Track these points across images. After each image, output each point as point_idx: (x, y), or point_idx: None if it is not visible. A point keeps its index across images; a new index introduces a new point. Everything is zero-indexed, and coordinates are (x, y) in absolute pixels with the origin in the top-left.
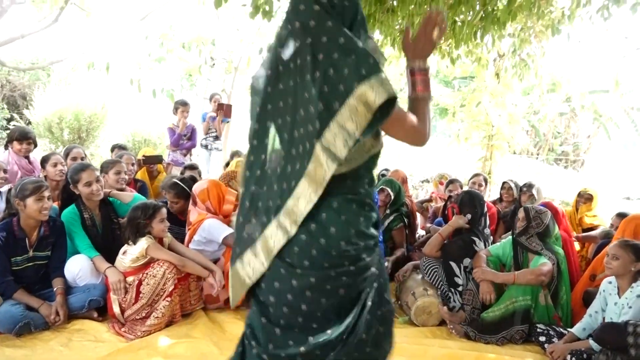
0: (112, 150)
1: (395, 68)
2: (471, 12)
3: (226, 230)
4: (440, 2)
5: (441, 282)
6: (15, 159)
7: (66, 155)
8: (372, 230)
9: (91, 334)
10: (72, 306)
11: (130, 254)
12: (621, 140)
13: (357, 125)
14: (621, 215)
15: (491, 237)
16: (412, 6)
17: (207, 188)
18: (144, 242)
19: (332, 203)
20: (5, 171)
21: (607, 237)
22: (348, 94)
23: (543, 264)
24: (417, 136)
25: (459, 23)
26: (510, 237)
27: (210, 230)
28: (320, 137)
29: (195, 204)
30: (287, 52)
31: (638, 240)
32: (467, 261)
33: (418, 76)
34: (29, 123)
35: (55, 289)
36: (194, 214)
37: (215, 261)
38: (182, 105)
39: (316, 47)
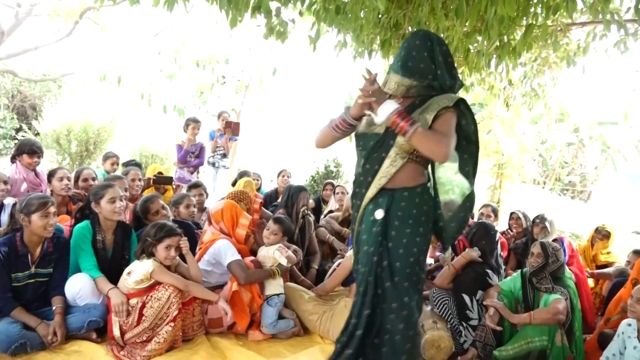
0: (125, 166)
1: None
2: (486, 42)
3: (233, 256)
4: (456, 30)
5: (451, 315)
6: (22, 173)
7: (77, 177)
8: None
9: (88, 356)
10: (71, 326)
11: (134, 275)
12: (627, 172)
13: None
14: (638, 253)
15: (503, 267)
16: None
17: (222, 209)
18: (149, 265)
19: None
20: (5, 182)
21: (622, 275)
22: None
23: (557, 300)
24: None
25: (473, 51)
26: (520, 271)
27: (219, 252)
28: None
29: (210, 223)
30: None
31: None
32: (480, 294)
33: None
34: (37, 134)
35: (54, 308)
36: (208, 234)
37: (222, 286)
38: (193, 122)
39: None
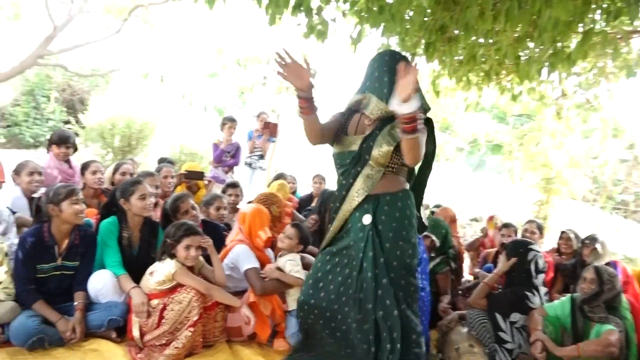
0: (159, 162)
1: (451, 100)
2: (538, 48)
3: (250, 263)
4: (506, 35)
5: (489, 339)
6: (56, 163)
7: (115, 170)
8: None
9: (106, 356)
10: (91, 324)
11: (157, 275)
12: None
13: None
14: None
15: (545, 289)
16: (475, 37)
17: (247, 214)
18: (172, 266)
19: None
20: (40, 174)
21: None
22: None
23: (609, 332)
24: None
25: (524, 58)
26: (569, 297)
27: (237, 257)
28: None
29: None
30: None
31: None
32: (515, 316)
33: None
34: (83, 127)
35: (75, 304)
36: (233, 232)
37: (242, 292)
38: (229, 122)
39: None
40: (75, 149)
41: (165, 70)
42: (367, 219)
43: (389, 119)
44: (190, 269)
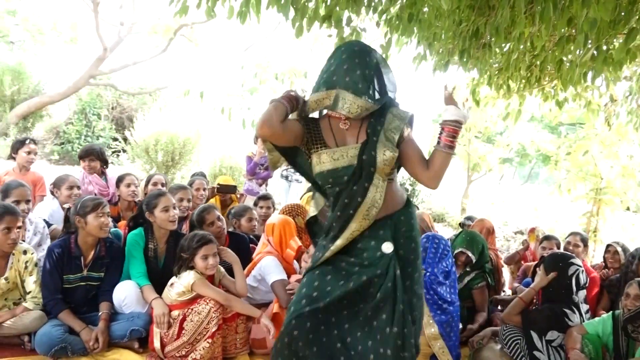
0: (192, 176)
1: (492, 109)
2: (580, 51)
3: (278, 275)
4: (541, 39)
5: (523, 357)
6: (89, 177)
7: (147, 182)
8: None
9: None
10: (114, 334)
11: (177, 286)
12: None
13: None
14: None
15: (586, 306)
16: (509, 43)
17: (275, 224)
18: (191, 277)
19: None
20: (78, 187)
21: None
22: None
23: None
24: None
25: (567, 63)
26: (611, 314)
27: (265, 269)
28: None
29: (264, 232)
30: None
31: None
32: (553, 334)
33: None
34: (129, 144)
35: (100, 314)
36: (260, 244)
37: (268, 304)
38: None
39: None
40: (104, 162)
41: (205, 86)
42: (387, 247)
43: (371, 118)
44: (211, 279)
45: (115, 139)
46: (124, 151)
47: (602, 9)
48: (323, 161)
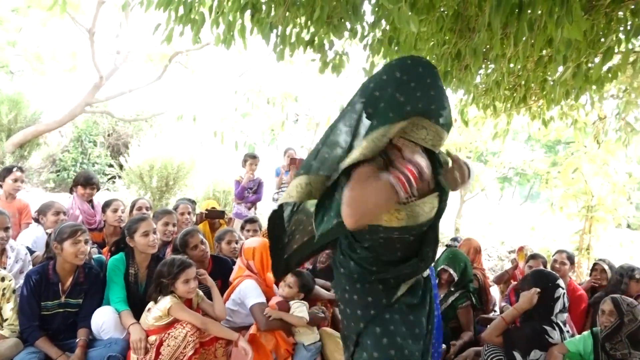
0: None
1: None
2: (559, 71)
3: (257, 298)
4: (519, 60)
5: None
6: (78, 203)
7: (132, 206)
8: None
9: None
10: None
11: (154, 311)
12: None
13: None
14: None
15: (567, 326)
16: (489, 63)
17: (255, 248)
18: (167, 301)
19: None
20: (64, 213)
21: None
22: None
23: None
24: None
25: (551, 82)
26: (590, 332)
27: (244, 292)
28: None
29: (240, 256)
30: None
31: None
32: (536, 354)
33: None
34: (124, 170)
35: (77, 341)
36: (236, 268)
37: (248, 327)
38: (250, 158)
39: None
40: (98, 189)
41: (198, 111)
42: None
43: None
44: (189, 303)
45: (110, 165)
46: (120, 177)
47: (576, 29)
48: (392, 217)
